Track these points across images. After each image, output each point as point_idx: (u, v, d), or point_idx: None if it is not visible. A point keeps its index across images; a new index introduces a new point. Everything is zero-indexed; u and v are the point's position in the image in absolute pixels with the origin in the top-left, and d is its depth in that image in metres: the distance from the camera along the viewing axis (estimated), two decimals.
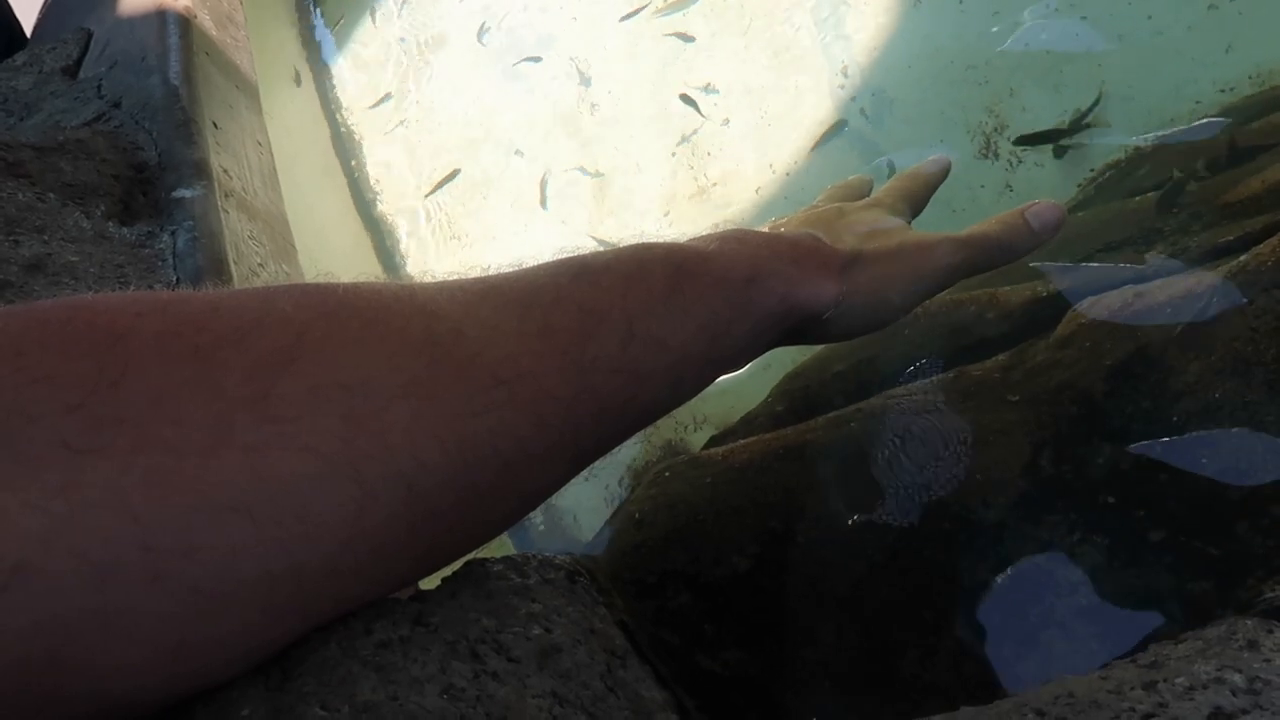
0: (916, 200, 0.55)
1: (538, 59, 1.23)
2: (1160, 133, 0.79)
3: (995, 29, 0.95)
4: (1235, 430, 0.45)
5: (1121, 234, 0.69)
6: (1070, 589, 0.44)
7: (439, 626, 0.31)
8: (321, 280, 0.33)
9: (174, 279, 0.57)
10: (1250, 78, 0.81)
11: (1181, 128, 0.79)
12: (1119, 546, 0.45)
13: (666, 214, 1.06)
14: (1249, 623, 0.29)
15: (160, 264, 0.58)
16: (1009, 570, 0.46)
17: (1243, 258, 0.53)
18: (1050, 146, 0.61)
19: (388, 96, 1.31)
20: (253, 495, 0.26)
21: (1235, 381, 0.47)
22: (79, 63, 0.92)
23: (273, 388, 0.27)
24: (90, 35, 0.96)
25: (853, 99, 1.02)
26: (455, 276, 0.36)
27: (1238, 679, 0.26)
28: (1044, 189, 0.85)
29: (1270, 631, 0.28)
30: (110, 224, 0.60)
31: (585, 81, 1.20)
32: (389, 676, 0.28)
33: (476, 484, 0.31)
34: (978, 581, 0.46)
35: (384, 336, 0.30)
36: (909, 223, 0.52)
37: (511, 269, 0.37)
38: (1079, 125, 0.62)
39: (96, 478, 0.24)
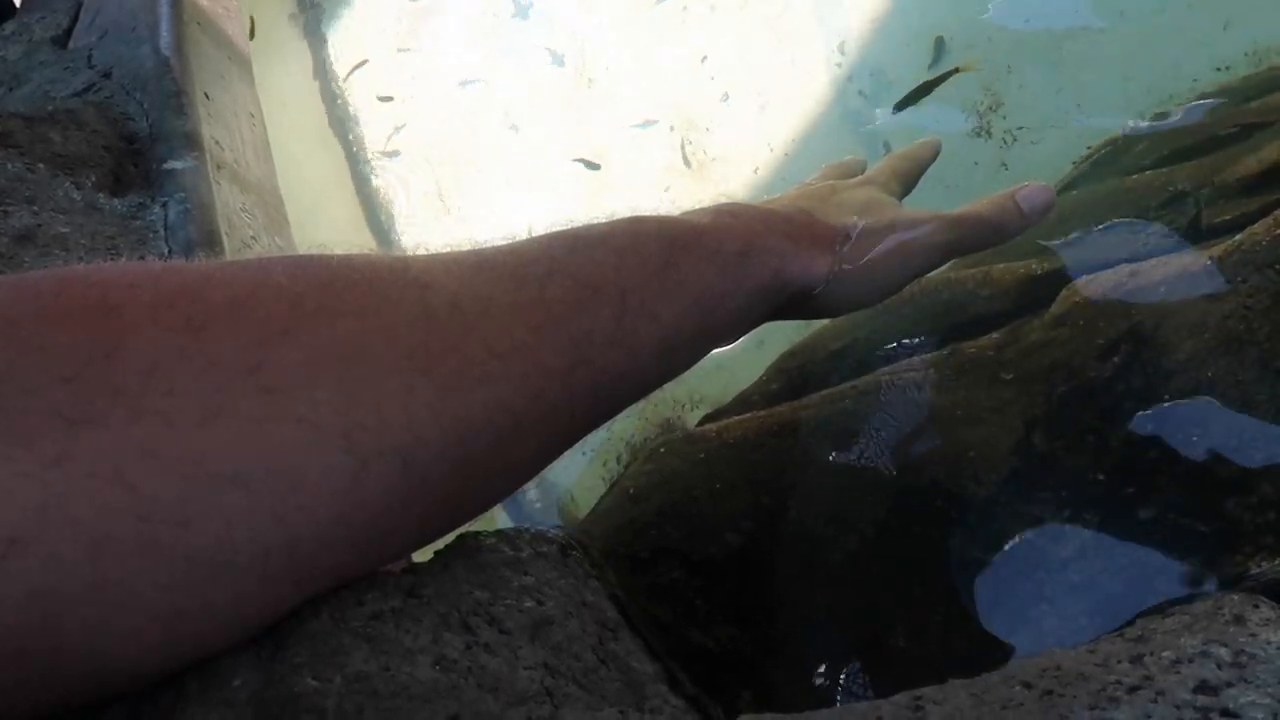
0: (908, 179, 0.55)
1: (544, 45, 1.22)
2: (1142, 123, 0.80)
3: (993, 7, 0.95)
4: (1226, 409, 0.46)
5: (1117, 213, 0.69)
6: (1060, 565, 0.45)
7: (431, 599, 0.31)
8: (316, 252, 0.33)
9: (166, 251, 0.57)
10: (1247, 55, 0.81)
11: (1163, 117, 0.79)
12: (1109, 523, 0.45)
13: (666, 190, 1.05)
14: (1235, 598, 0.29)
15: (152, 236, 0.58)
16: (999, 546, 0.46)
17: (1238, 237, 0.53)
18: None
19: (364, 62, 1.30)
20: (247, 465, 0.26)
21: (1228, 360, 0.47)
22: (69, 32, 0.91)
23: (267, 358, 0.27)
24: (80, 4, 0.95)
25: (849, 78, 1.01)
26: (449, 250, 0.36)
27: (1223, 653, 0.26)
28: (1039, 165, 0.85)
29: (1256, 607, 0.28)
30: (101, 195, 0.59)
31: (582, 57, 1.19)
32: (381, 647, 0.28)
33: (471, 456, 0.31)
34: (968, 557, 0.47)
35: (379, 308, 0.30)
36: (901, 201, 0.53)
37: (506, 242, 0.37)
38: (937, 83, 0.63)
39: (92, 449, 0.24)
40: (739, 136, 1.05)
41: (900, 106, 0.58)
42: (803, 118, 1.03)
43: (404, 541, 0.32)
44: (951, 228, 0.47)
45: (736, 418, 0.61)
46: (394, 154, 1.21)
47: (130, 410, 0.25)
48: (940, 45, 0.94)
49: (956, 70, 0.57)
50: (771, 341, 0.71)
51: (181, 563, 0.25)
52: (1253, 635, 0.27)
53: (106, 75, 0.77)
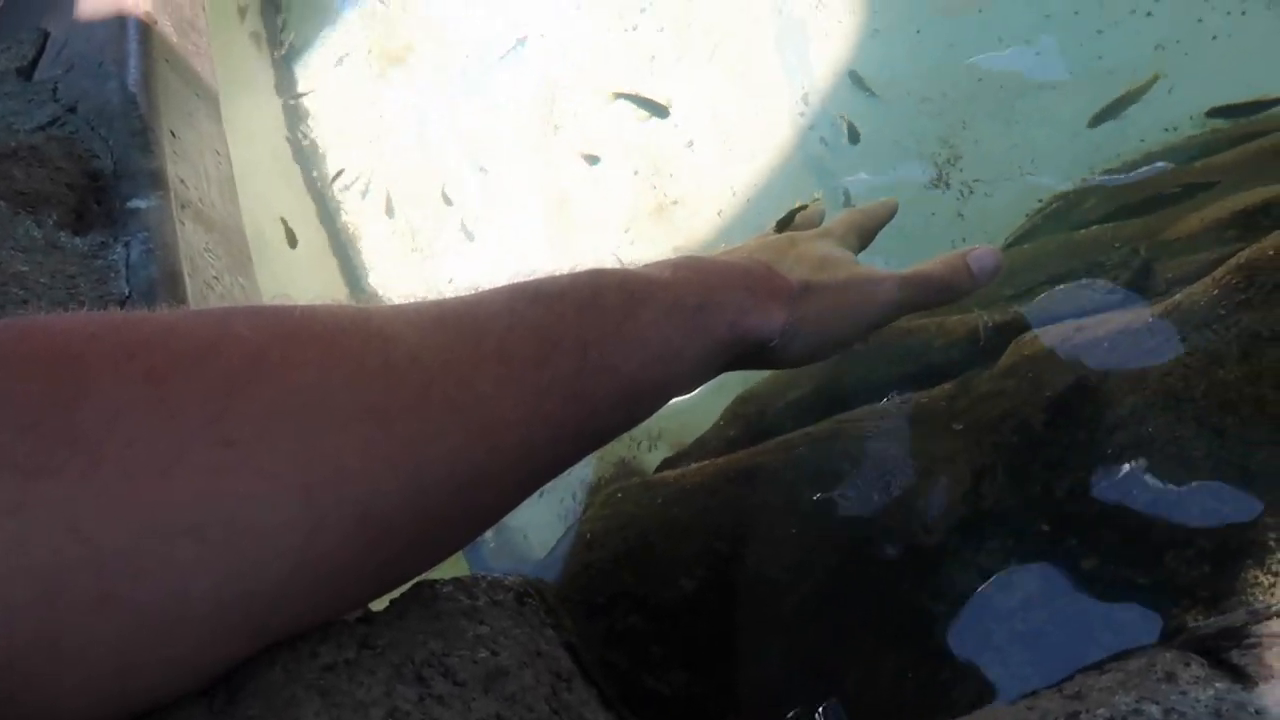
0: (865, 234, 0.57)
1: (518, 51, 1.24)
2: (1102, 178, 0.83)
3: (950, 62, 0.98)
4: (1165, 463, 0.47)
5: (1066, 266, 0.71)
6: (1006, 615, 0.46)
7: (385, 649, 0.32)
8: (278, 302, 0.33)
9: (126, 291, 0.56)
10: (1190, 118, 0.84)
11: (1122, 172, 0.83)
12: (1053, 574, 0.46)
13: (627, 231, 1.06)
14: (1168, 655, 0.30)
15: (113, 275, 0.58)
16: (949, 595, 0.47)
17: (1177, 296, 0.55)
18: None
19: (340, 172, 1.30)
20: (205, 518, 0.26)
21: (1167, 416, 0.49)
22: (34, 64, 0.90)
23: (228, 410, 0.27)
24: (47, 36, 0.95)
25: (812, 127, 1.03)
26: (412, 300, 0.36)
27: (1155, 710, 0.27)
28: (993, 218, 0.88)
29: (1187, 665, 0.29)
30: (62, 233, 0.59)
31: (550, 101, 1.21)
32: (333, 700, 0.29)
33: (430, 508, 0.32)
34: (918, 606, 0.48)
35: (340, 361, 0.31)
36: (857, 255, 0.54)
37: (467, 293, 0.38)
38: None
39: (48, 499, 0.24)
40: (702, 181, 1.07)
41: (780, 228, 0.62)
42: (765, 163, 1.05)
43: (363, 590, 0.32)
44: (904, 286, 0.48)
45: (694, 465, 0.62)
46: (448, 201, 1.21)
47: (89, 460, 0.25)
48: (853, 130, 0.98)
49: (817, 199, 0.63)
50: (731, 383, 0.72)
51: (135, 615, 0.25)
52: (1183, 693, 0.28)
53: (71, 109, 0.77)
